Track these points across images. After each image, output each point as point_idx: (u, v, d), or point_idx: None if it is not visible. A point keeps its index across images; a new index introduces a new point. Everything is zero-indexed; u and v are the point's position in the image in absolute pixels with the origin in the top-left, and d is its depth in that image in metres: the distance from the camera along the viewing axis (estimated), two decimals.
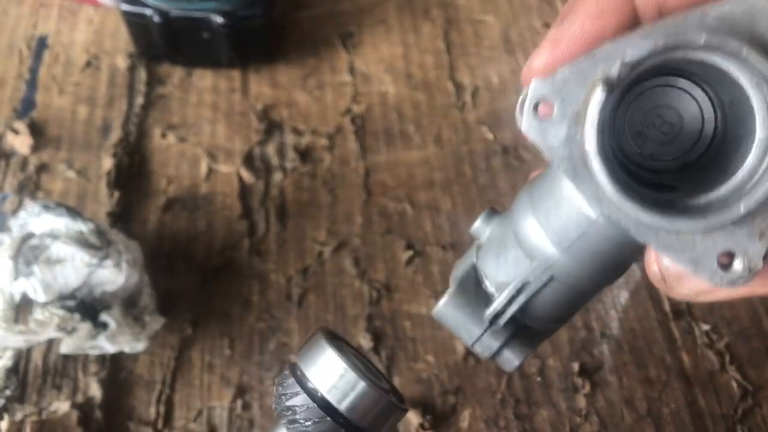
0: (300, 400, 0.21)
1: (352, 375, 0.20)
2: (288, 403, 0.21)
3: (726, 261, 0.16)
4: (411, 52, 0.53)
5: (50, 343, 0.38)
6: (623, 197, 0.16)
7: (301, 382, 0.21)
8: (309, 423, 0.20)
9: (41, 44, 0.51)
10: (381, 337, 0.39)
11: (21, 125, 0.46)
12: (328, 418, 0.20)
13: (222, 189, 0.45)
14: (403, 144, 0.48)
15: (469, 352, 0.38)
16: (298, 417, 0.21)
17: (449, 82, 0.51)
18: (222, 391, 0.37)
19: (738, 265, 0.16)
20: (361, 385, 0.20)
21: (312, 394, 0.21)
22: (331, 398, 0.20)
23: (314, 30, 0.54)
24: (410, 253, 0.42)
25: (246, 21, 0.46)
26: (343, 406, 0.20)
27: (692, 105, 0.18)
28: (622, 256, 0.19)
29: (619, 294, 0.41)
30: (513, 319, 0.21)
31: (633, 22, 0.19)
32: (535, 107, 0.17)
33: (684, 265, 0.16)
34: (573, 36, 0.19)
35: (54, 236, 0.35)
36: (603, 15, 0.19)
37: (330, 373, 0.21)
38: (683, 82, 0.18)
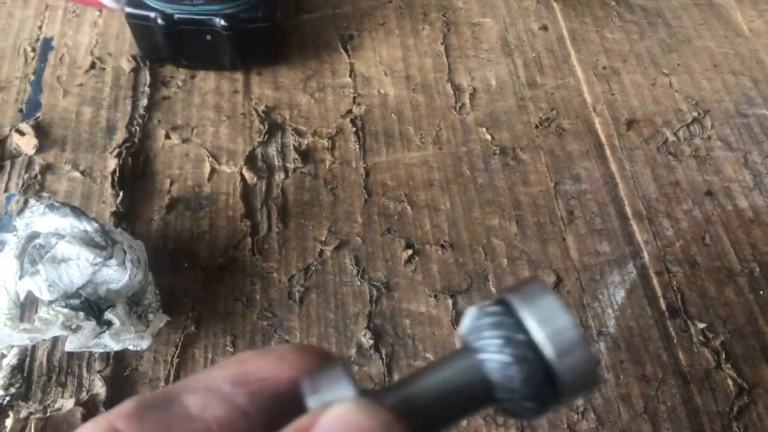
0: (514, 341, 0.17)
1: (576, 332, 0.17)
2: (493, 340, 0.17)
3: None
4: (410, 55, 0.53)
5: (55, 341, 0.38)
6: None
7: (518, 323, 0.18)
8: (516, 368, 0.17)
9: (46, 46, 0.52)
10: (381, 334, 0.40)
11: (26, 126, 0.47)
12: (537, 366, 0.17)
13: (225, 189, 0.45)
14: (403, 145, 0.48)
15: None
16: (504, 358, 0.17)
17: (448, 84, 0.51)
18: None
19: None
20: (584, 347, 0.17)
21: (528, 339, 0.17)
22: (548, 350, 0.17)
23: (315, 33, 0.54)
24: (410, 252, 0.43)
25: (248, 24, 0.47)
26: (559, 363, 0.17)
27: None
28: None
29: (616, 293, 0.42)
30: None
31: None
32: None
33: None
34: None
35: (59, 235, 0.36)
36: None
37: (552, 322, 0.17)
38: None
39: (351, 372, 0.17)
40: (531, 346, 0.17)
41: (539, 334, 0.17)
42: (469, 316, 0.18)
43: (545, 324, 0.17)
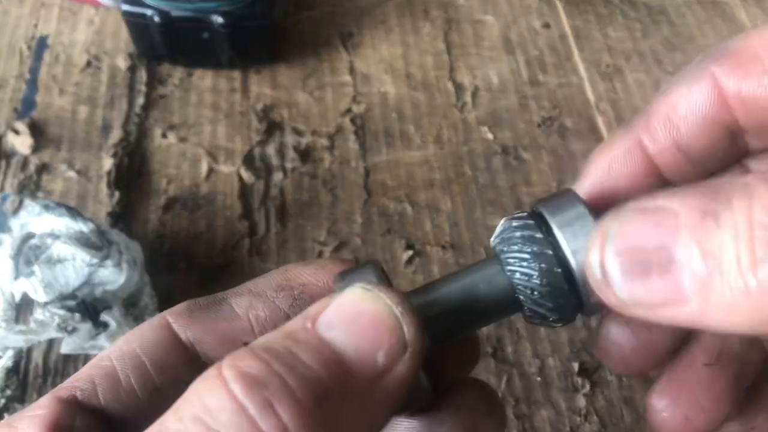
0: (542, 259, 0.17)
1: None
2: (520, 252, 0.17)
3: None
4: (411, 53, 0.53)
5: (51, 343, 0.38)
6: None
7: (547, 235, 0.17)
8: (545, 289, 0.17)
9: (42, 44, 0.51)
10: None
11: (21, 125, 0.46)
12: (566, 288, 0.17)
13: (222, 189, 0.45)
14: (403, 144, 0.48)
15: None
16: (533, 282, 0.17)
17: (449, 83, 0.51)
18: None
19: None
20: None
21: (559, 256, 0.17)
22: (574, 264, 0.17)
23: (314, 31, 0.54)
24: (410, 252, 0.42)
25: (246, 21, 0.46)
26: (584, 278, 0.16)
27: None
28: None
29: None
30: None
31: (647, 169, 0.19)
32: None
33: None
34: (590, 197, 0.19)
35: (54, 236, 0.36)
36: (611, 171, 0.19)
37: (580, 235, 0.17)
38: None
39: (382, 271, 0.18)
40: (558, 259, 0.17)
41: (566, 248, 0.17)
42: (501, 226, 0.18)
43: (573, 238, 0.17)
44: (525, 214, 0.18)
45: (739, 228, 0.12)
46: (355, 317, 0.14)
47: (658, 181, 0.19)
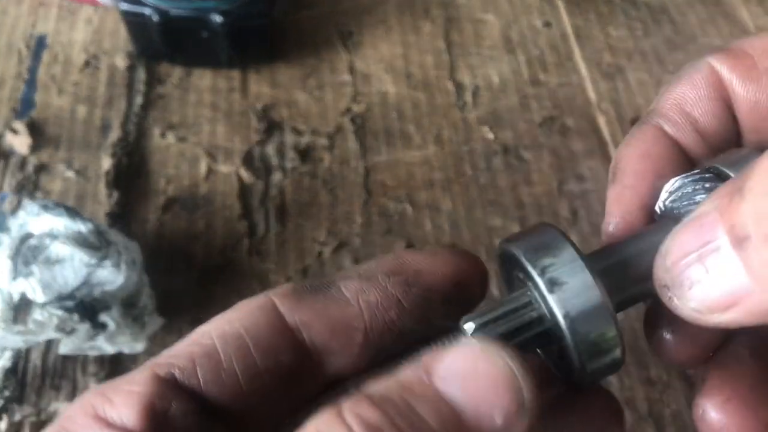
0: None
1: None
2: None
3: None
4: (411, 52, 0.53)
5: (49, 344, 0.38)
6: None
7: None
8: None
9: (40, 44, 0.51)
10: None
11: (20, 125, 0.46)
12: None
13: (221, 189, 0.45)
14: (404, 144, 0.47)
15: None
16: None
17: (449, 82, 0.51)
18: None
19: None
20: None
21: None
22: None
23: (314, 30, 0.53)
24: None
25: (246, 20, 0.46)
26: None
27: None
28: None
29: None
30: None
31: (677, 153, 0.19)
32: None
33: None
34: (631, 191, 0.19)
35: (53, 236, 0.35)
36: (649, 157, 0.19)
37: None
38: None
39: (567, 239, 0.17)
40: None
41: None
42: (673, 184, 0.18)
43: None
44: (701, 171, 0.18)
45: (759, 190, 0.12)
46: (475, 375, 0.14)
47: (689, 163, 0.19)
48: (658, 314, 0.19)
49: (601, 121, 0.50)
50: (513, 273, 0.18)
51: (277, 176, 0.45)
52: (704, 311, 0.14)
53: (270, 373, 0.17)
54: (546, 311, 0.16)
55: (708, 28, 0.56)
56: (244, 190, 0.45)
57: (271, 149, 0.47)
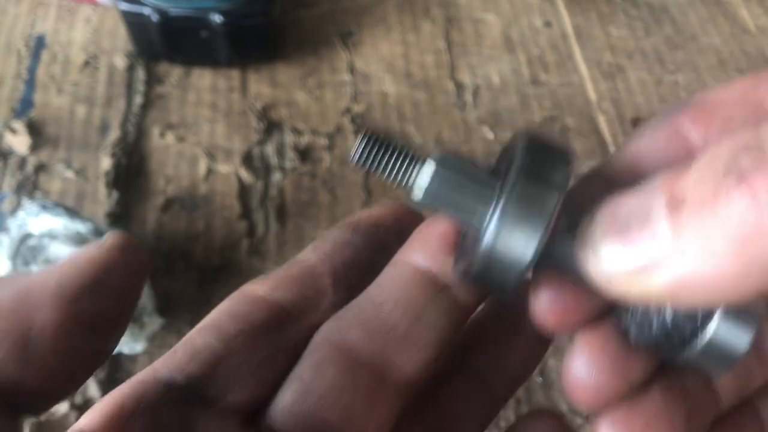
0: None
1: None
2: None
3: None
4: (411, 52, 0.52)
5: None
6: None
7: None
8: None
9: (39, 43, 0.51)
10: None
11: (19, 125, 0.46)
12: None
13: (221, 189, 0.44)
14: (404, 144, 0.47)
15: None
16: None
17: (450, 82, 0.51)
18: None
19: None
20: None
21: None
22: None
23: (314, 29, 0.53)
24: None
25: (245, 20, 0.46)
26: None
27: None
28: None
29: None
30: None
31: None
32: None
33: None
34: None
35: (52, 236, 0.35)
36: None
37: None
38: None
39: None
40: None
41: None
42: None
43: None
44: None
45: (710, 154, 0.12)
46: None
47: None
48: (551, 276, 0.17)
49: (602, 121, 0.49)
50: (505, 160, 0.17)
51: (276, 176, 0.45)
52: (616, 276, 0.13)
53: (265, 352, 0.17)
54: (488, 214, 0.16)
55: (708, 27, 0.56)
56: (243, 190, 0.44)
57: (270, 149, 0.46)
